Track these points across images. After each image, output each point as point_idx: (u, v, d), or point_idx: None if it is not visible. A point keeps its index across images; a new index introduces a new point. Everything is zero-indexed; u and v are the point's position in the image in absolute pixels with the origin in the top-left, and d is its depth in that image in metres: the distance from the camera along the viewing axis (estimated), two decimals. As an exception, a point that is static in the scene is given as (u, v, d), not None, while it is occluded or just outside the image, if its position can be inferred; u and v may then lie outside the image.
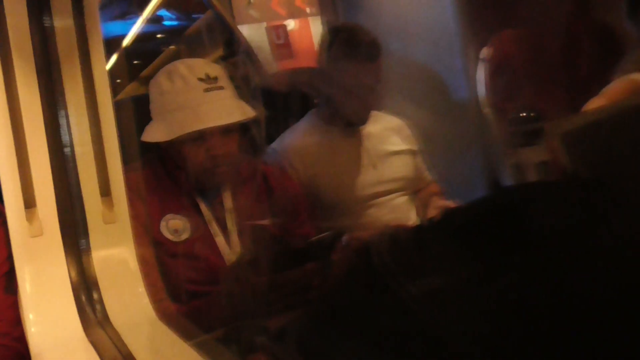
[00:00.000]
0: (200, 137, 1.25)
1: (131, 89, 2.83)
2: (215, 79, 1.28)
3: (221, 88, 1.28)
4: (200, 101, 1.25)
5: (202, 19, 2.92)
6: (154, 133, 1.28)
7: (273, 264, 1.16)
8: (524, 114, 1.45)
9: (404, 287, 0.64)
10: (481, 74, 1.83)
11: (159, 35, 3.53)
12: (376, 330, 0.67)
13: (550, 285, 0.55)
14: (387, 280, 0.67)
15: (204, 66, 1.30)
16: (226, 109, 1.27)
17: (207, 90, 1.26)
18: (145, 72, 3.10)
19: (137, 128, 1.33)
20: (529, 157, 1.47)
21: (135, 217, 1.09)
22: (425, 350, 0.59)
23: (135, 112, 1.42)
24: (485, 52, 1.85)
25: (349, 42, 1.55)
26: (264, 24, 2.39)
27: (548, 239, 0.58)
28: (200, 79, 1.26)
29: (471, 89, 1.86)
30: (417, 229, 1.20)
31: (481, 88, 1.82)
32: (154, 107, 1.32)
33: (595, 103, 1.46)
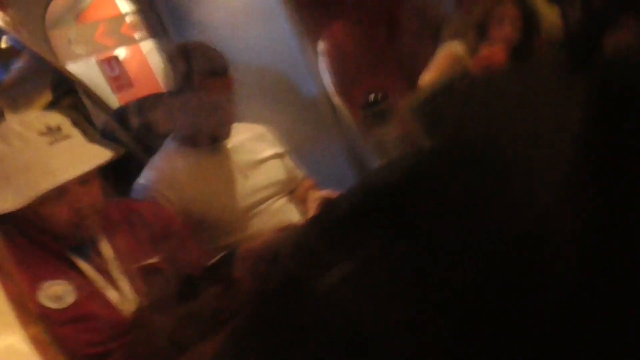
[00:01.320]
0: (58, 193, 1.16)
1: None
2: (58, 129, 1.19)
3: (67, 137, 1.20)
4: (48, 156, 1.16)
5: (18, 66, 2.66)
6: (2, 202, 1.16)
7: (176, 299, 1.12)
8: (372, 97, 1.56)
9: (310, 283, 0.66)
10: (323, 67, 1.92)
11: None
12: (296, 332, 0.69)
13: (438, 257, 0.60)
14: (294, 281, 0.69)
15: (42, 118, 1.21)
16: (78, 157, 1.19)
17: (51, 143, 1.17)
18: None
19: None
20: (384, 135, 1.59)
21: (10, 297, 0.98)
22: (347, 342, 0.61)
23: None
24: (320, 45, 1.94)
25: (196, 59, 1.54)
26: (93, 58, 2.26)
27: (420, 206, 0.63)
28: (42, 134, 1.17)
29: (318, 83, 1.94)
30: (305, 226, 1.24)
31: (327, 80, 1.91)
32: None
33: (426, 76, 1.62)
